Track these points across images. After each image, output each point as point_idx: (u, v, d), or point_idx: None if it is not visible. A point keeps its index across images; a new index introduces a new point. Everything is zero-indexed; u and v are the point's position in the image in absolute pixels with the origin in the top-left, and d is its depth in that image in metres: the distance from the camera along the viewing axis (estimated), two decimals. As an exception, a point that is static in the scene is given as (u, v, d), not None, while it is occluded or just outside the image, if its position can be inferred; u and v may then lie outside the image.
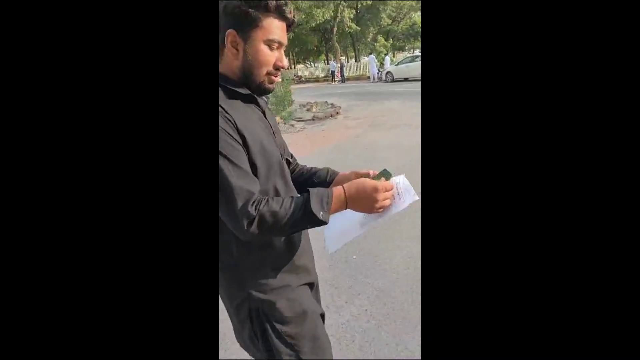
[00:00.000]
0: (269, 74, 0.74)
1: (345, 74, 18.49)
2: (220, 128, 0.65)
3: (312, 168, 0.97)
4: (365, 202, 0.73)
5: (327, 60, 24.67)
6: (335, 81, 18.55)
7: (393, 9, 25.15)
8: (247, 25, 0.70)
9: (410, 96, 9.46)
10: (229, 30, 0.71)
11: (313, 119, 7.57)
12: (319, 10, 17.48)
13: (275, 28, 0.72)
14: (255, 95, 0.78)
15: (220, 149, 0.65)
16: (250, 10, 0.69)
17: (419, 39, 29.27)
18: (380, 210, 0.74)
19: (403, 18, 27.48)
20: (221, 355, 1.59)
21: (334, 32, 22.07)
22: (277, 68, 0.75)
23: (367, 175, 0.84)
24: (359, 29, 23.18)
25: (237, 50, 0.72)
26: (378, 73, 16.48)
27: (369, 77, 17.18)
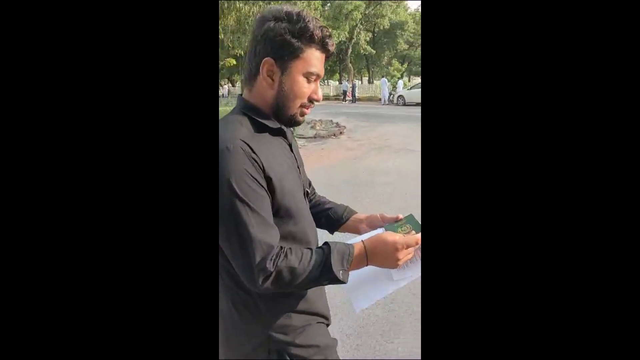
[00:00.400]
0: (302, 106, 0.71)
1: (356, 95, 18.64)
2: (244, 171, 0.62)
3: (329, 202, 0.94)
4: (386, 259, 0.70)
5: (341, 79, 24.98)
6: (345, 100, 18.72)
7: (411, 34, 25.55)
8: (287, 55, 0.67)
9: (418, 121, 9.35)
10: (266, 59, 0.67)
11: (315, 137, 7.48)
12: (334, 31, 17.79)
13: (315, 60, 0.69)
14: (284, 128, 0.75)
15: (242, 194, 0.61)
16: (293, 40, 0.66)
17: (435, 65, 29.67)
18: (403, 254, 0.70)
19: (420, 45, 27.82)
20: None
21: (349, 54, 22.41)
22: (311, 100, 0.72)
23: (394, 220, 0.81)
24: (374, 51, 23.52)
25: (272, 80, 0.69)
26: (390, 96, 16.54)
27: (380, 99, 17.25)
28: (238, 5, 8.90)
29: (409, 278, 0.74)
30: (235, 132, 0.65)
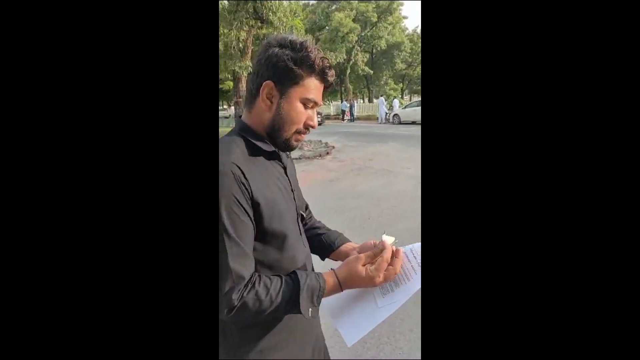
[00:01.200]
0: (297, 132, 0.73)
1: (355, 114, 18.79)
2: (232, 196, 0.63)
3: (323, 227, 0.96)
4: (362, 281, 0.70)
5: (341, 99, 25.33)
6: (344, 119, 18.86)
7: (407, 54, 25.90)
8: (287, 81, 0.70)
9: (408, 140, 9.30)
10: (266, 82, 0.70)
11: (300, 158, 7.46)
12: (331, 53, 18.12)
13: (314, 88, 0.72)
14: (278, 151, 0.77)
15: (225, 220, 0.62)
16: (294, 67, 0.69)
17: (435, 83, 29.91)
18: (380, 282, 0.70)
19: (419, 64, 28.19)
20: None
21: (347, 74, 22.75)
22: (306, 127, 0.74)
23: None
24: (372, 72, 23.84)
25: (271, 102, 0.71)
26: (386, 115, 16.62)
27: (377, 118, 17.34)
28: (224, 31, 9.11)
29: (396, 303, 0.72)
30: (229, 155, 0.66)
